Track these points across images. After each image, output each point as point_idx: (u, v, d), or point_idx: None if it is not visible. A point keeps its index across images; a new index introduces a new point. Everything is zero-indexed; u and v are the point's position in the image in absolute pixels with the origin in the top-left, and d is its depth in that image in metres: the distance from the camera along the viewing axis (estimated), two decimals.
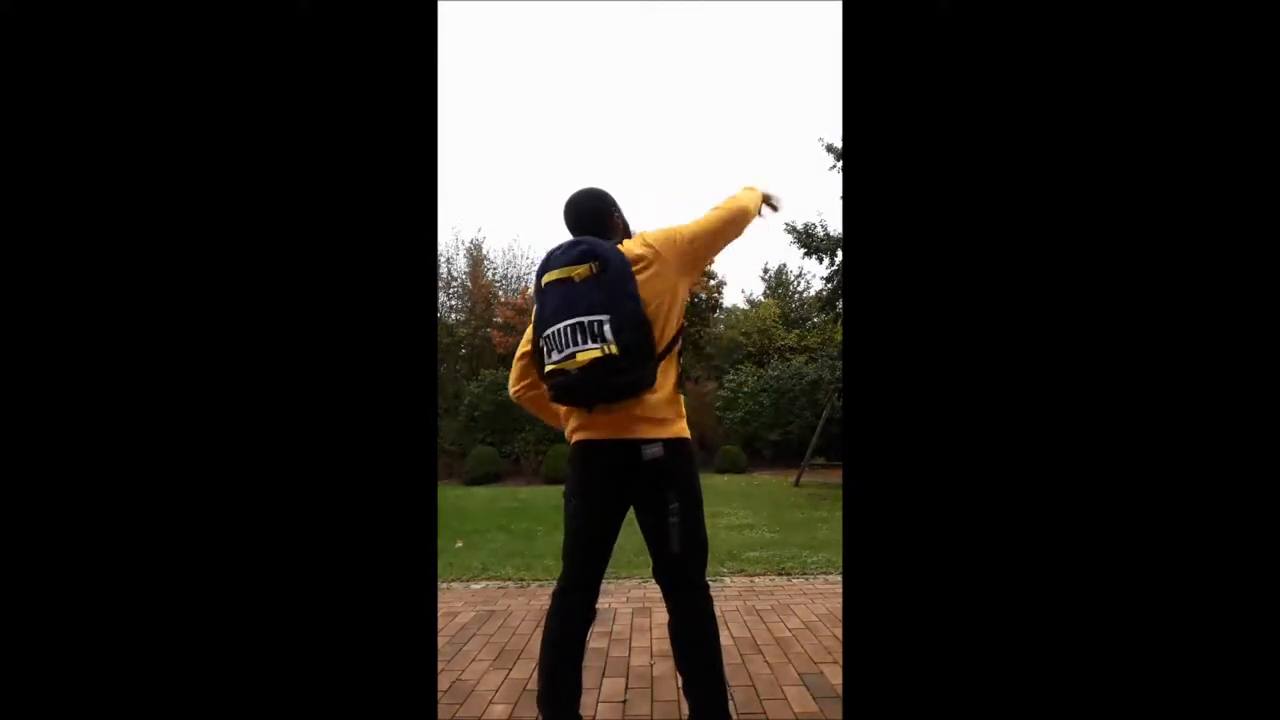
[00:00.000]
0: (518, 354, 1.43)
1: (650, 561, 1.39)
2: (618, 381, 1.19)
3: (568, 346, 1.19)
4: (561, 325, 1.20)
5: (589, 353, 1.17)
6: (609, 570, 3.27)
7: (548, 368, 1.24)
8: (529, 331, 1.37)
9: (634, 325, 1.20)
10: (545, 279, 1.26)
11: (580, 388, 1.21)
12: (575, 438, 1.35)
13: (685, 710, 1.71)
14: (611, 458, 1.30)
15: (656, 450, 1.27)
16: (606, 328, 1.18)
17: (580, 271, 1.21)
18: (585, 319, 1.19)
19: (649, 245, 1.31)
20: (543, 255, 1.31)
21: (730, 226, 1.35)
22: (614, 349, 1.17)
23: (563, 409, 1.36)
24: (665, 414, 1.30)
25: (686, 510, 1.31)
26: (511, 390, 1.47)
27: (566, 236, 1.39)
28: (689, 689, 1.37)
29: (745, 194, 1.40)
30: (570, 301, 1.21)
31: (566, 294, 1.21)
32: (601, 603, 2.78)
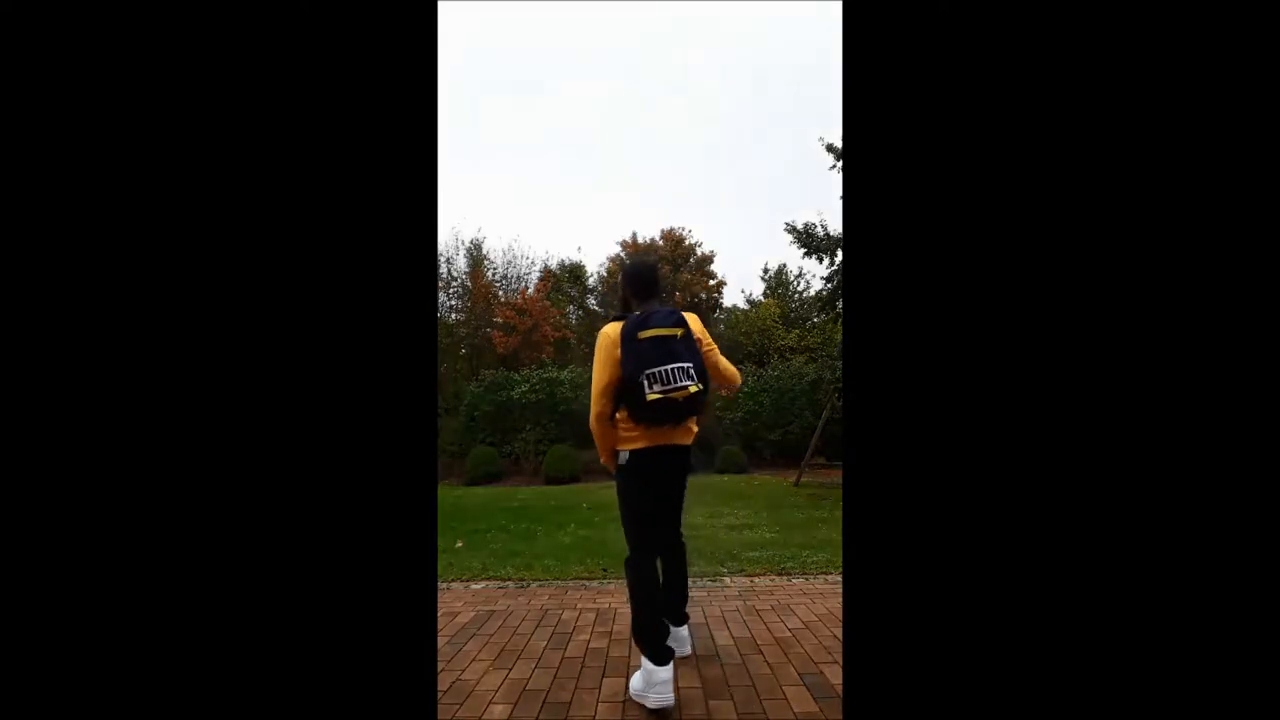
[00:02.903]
0: (605, 392, 1.87)
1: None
2: (698, 407, 1.84)
3: (677, 381, 1.75)
4: (670, 367, 1.76)
5: (694, 386, 1.77)
6: (609, 570, 3.30)
7: (652, 396, 1.75)
8: (609, 375, 1.84)
9: (702, 372, 1.84)
10: (645, 334, 1.79)
11: (680, 410, 1.80)
12: (640, 445, 1.88)
13: (684, 712, 1.73)
14: (675, 459, 1.95)
15: (690, 458, 2.00)
16: (693, 371, 1.78)
17: (677, 332, 1.81)
18: (683, 364, 1.77)
19: (704, 333, 1.98)
20: (635, 318, 1.85)
21: (717, 374, 2.04)
22: (699, 386, 1.79)
23: (634, 430, 1.87)
24: (692, 427, 1.99)
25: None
26: (605, 421, 1.90)
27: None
28: (672, 596, 2.10)
29: (731, 372, 2.10)
30: (671, 351, 1.78)
31: (668, 346, 1.78)
32: (601, 603, 2.80)
